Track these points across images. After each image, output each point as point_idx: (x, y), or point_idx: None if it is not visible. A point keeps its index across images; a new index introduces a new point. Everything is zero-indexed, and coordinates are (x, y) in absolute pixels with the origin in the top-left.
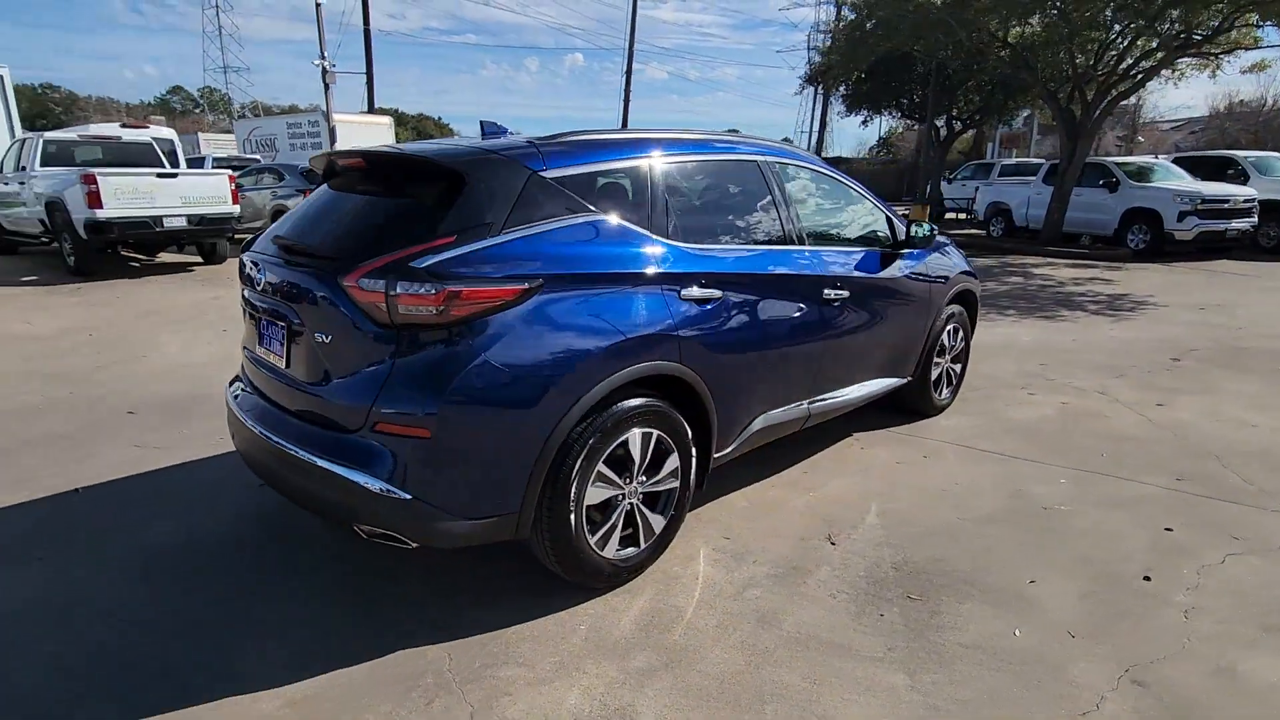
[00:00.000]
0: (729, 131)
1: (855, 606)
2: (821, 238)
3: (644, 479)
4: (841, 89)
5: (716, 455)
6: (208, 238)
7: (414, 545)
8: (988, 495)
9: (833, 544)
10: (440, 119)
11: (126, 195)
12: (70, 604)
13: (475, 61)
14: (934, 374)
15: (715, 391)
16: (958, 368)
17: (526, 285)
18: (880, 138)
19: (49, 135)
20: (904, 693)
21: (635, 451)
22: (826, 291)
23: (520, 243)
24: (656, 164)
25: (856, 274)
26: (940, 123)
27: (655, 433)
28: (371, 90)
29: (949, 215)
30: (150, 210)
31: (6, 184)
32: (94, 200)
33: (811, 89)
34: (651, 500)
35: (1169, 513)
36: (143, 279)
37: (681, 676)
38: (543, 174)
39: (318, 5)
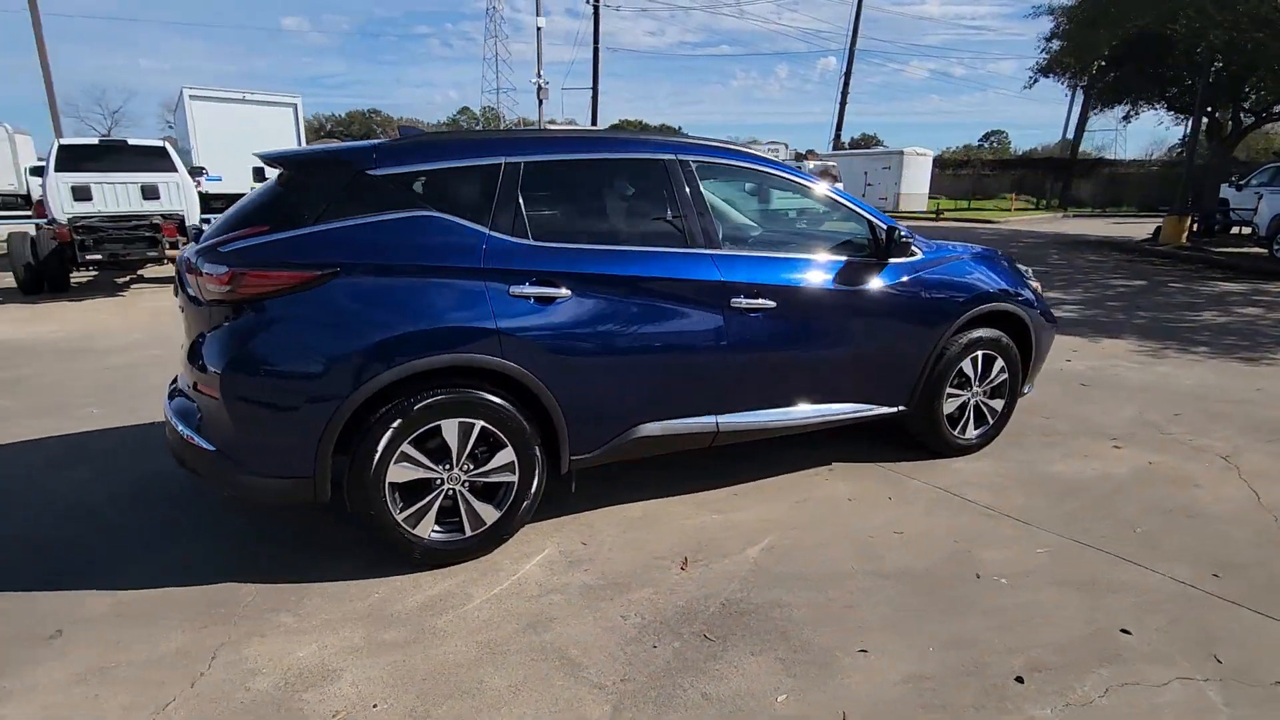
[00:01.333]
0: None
1: (636, 632)
2: (748, 243)
3: (470, 468)
4: (1084, 80)
5: (576, 457)
6: None
7: (229, 493)
8: (918, 551)
9: (682, 569)
10: (680, 128)
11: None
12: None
13: (727, 72)
14: (948, 407)
15: (561, 392)
16: (995, 404)
17: (320, 272)
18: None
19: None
20: None
21: (452, 440)
22: (737, 300)
23: (325, 233)
24: (513, 164)
25: (792, 283)
26: (1220, 115)
27: (478, 424)
28: (595, 104)
29: (1234, 230)
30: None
31: None
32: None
33: (1060, 82)
34: (484, 491)
35: (1149, 612)
36: None
37: (408, 656)
38: (370, 173)
39: (538, 29)
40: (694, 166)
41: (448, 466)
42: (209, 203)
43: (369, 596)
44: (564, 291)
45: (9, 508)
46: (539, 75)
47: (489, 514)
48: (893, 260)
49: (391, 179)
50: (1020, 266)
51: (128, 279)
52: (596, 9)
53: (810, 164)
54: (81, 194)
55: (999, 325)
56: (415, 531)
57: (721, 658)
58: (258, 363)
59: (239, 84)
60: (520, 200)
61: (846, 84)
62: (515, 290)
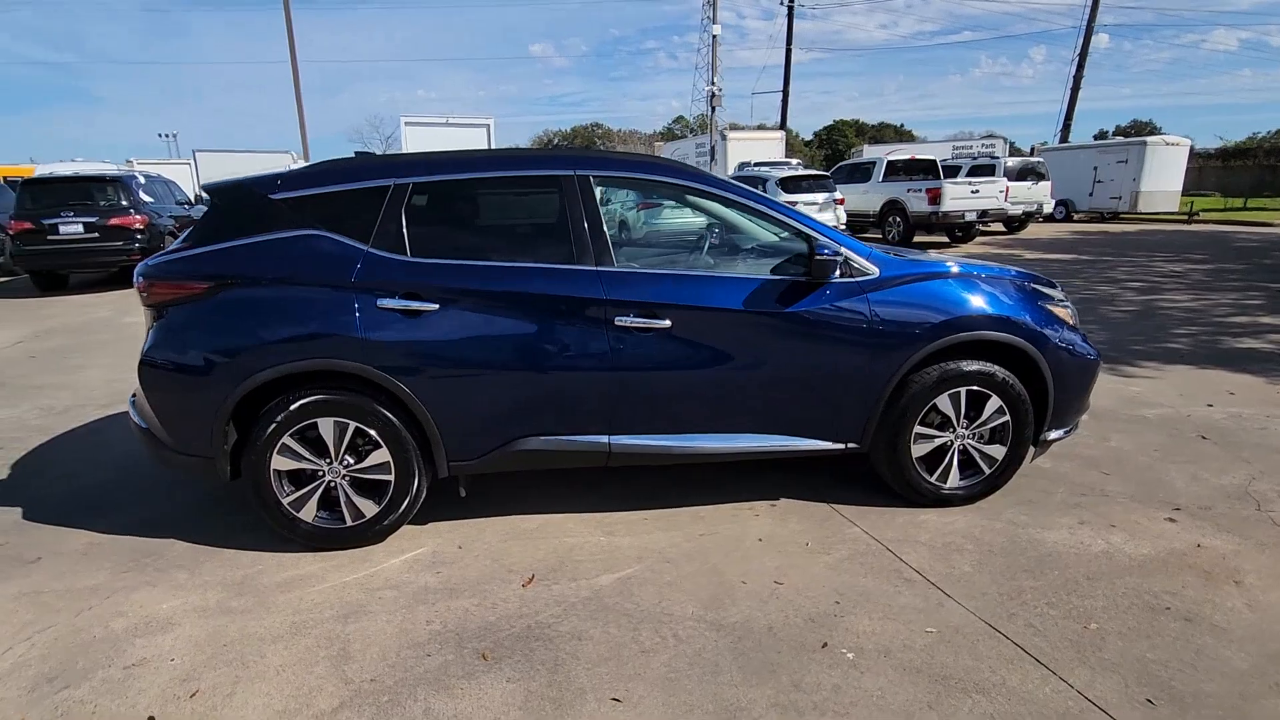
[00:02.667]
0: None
1: (425, 639)
2: (658, 259)
3: (350, 463)
4: None
5: (456, 464)
6: None
7: (158, 465)
8: (781, 606)
9: (524, 586)
10: (902, 125)
11: None
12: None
13: (967, 60)
14: (919, 449)
15: (431, 401)
16: (992, 450)
17: (211, 284)
18: None
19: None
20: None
21: (328, 437)
22: (623, 319)
23: (225, 250)
24: (401, 185)
25: (693, 304)
26: None
27: (352, 424)
28: (785, 107)
29: None
30: None
31: None
32: None
33: None
34: (365, 486)
35: (985, 714)
36: None
37: (232, 622)
38: (272, 197)
39: (714, 37)
40: (592, 182)
41: (329, 461)
42: None
43: (253, 567)
44: (431, 306)
45: (90, 459)
46: (712, 82)
47: (368, 508)
48: (834, 279)
49: (289, 202)
50: (1048, 290)
51: None
52: (791, 9)
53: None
54: None
55: (994, 358)
56: (299, 515)
57: (475, 679)
58: (164, 357)
59: (490, 106)
60: (404, 219)
61: (1081, 65)
62: (382, 303)
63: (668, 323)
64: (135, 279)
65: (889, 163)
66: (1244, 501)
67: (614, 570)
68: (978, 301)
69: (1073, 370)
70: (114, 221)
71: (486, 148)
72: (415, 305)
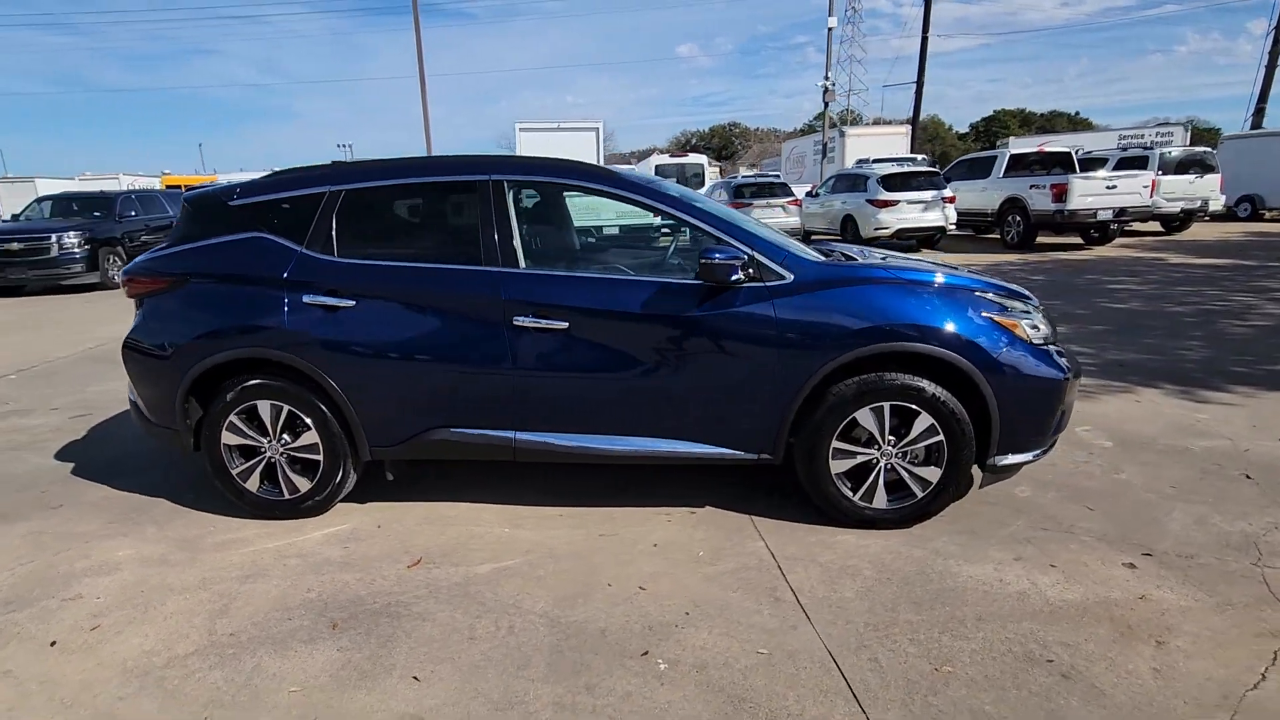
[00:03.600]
0: None
1: (298, 605)
2: (568, 262)
3: (287, 442)
4: None
5: (377, 449)
6: None
7: (148, 435)
8: (635, 610)
9: (409, 568)
10: (1077, 113)
11: None
12: None
13: (1171, 37)
14: (839, 465)
15: (349, 389)
16: (926, 473)
17: (171, 280)
18: None
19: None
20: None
21: (265, 417)
22: (521, 319)
23: (187, 250)
24: (335, 192)
25: (590, 306)
26: None
27: (286, 407)
28: (919, 97)
29: None
30: None
31: None
32: None
33: None
34: (301, 464)
35: None
36: None
37: (156, 573)
38: (230, 204)
39: (829, 30)
40: (505, 187)
41: (269, 439)
42: None
43: (206, 528)
44: (349, 302)
45: None
46: (826, 77)
47: (303, 484)
48: (739, 283)
49: (244, 208)
50: (1007, 301)
51: None
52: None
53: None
54: None
55: (926, 372)
56: (245, 485)
57: (313, 644)
58: (139, 341)
59: (631, 110)
60: (334, 223)
61: (1279, 40)
62: (307, 299)
63: (565, 324)
64: (121, 276)
65: (1013, 156)
66: (1243, 552)
67: (497, 560)
68: (902, 310)
69: (1023, 389)
70: None
71: (412, 156)
72: (334, 301)
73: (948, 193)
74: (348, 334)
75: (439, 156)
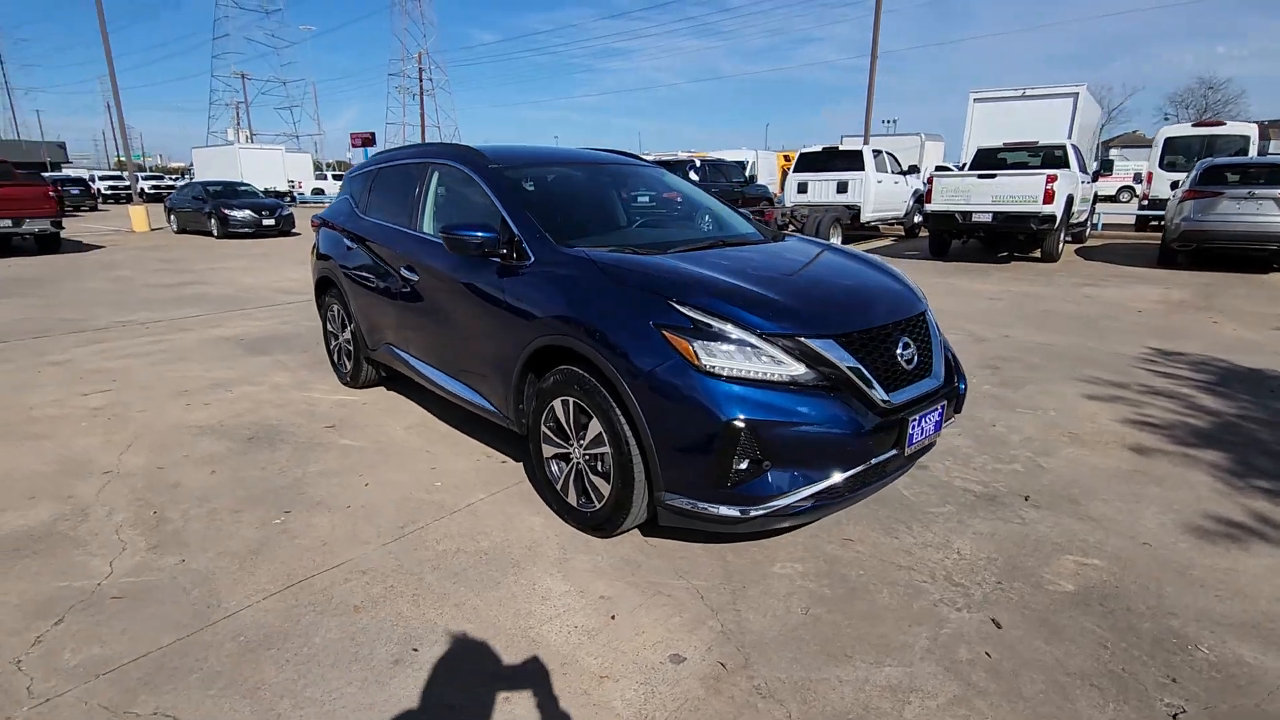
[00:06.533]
0: None
1: (242, 428)
2: (436, 227)
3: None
4: None
5: (370, 353)
6: None
7: None
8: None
9: (326, 428)
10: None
11: None
12: None
13: None
14: (548, 450)
15: (354, 303)
16: (600, 483)
17: (322, 224)
18: None
19: None
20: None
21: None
22: (403, 271)
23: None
24: (372, 168)
25: (423, 262)
26: None
27: (336, 305)
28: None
29: None
30: None
31: None
32: None
33: None
34: (345, 353)
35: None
36: None
37: (250, 391)
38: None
39: None
40: (430, 169)
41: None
42: None
43: (326, 380)
44: (353, 245)
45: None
46: None
47: (345, 367)
48: (497, 257)
49: (361, 175)
50: (688, 313)
51: None
52: None
53: None
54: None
55: (592, 370)
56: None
57: (191, 446)
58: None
59: None
60: (370, 190)
61: None
62: (345, 241)
63: (417, 277)
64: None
65: None
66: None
67: (329, 424)
68: (565, 300)
69: (670, 417)
70: None
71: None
72: (349, 242)
73: None
74: (352, 264)
75: (421, 146)
